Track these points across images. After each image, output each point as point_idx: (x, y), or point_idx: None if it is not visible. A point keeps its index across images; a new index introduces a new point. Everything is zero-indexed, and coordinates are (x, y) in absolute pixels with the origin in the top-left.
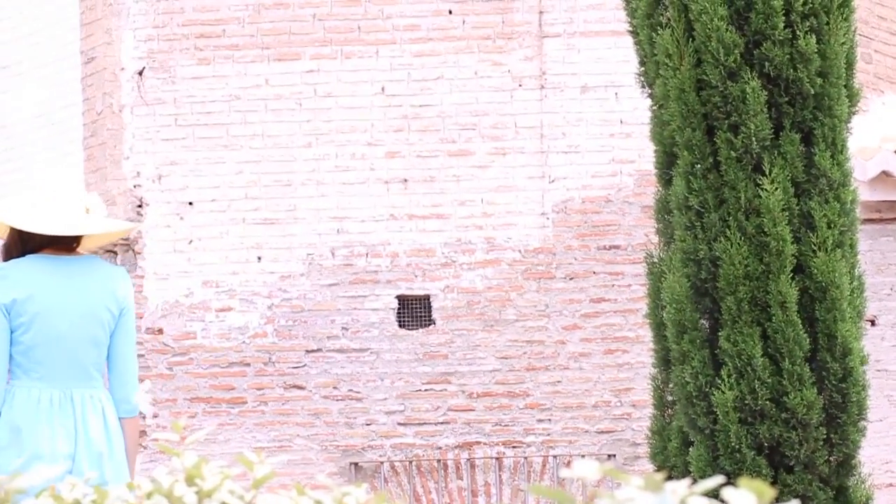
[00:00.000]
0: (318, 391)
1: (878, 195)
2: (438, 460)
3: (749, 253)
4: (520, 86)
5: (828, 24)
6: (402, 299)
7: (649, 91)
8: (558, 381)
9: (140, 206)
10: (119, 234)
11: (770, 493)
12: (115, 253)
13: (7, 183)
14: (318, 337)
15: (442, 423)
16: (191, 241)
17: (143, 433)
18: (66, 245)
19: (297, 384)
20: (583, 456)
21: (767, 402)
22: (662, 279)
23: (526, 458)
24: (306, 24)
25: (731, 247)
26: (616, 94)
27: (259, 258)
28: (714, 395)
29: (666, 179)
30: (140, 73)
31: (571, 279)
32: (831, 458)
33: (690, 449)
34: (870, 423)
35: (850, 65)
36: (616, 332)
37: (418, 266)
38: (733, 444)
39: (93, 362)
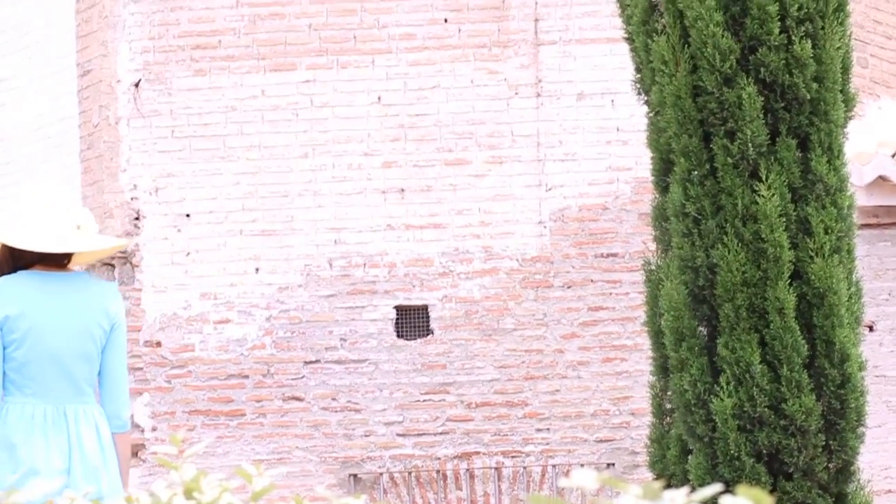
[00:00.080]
0: (317, 402)
1: (875, 200)
2: (437, 471)
3: (746, 259)
4: (516, 94)
5: (823, 29)
6: (400, 309)
7: (645, 98)
8: (557, 390)
9: (137, 218)
10: (110, 250)
11: (768, 500)
12: (113, 266)
13: (4, 197)
14: (317, 348)
15: (441, 433)
16: (188, 254)
17: (141, 446)
18: (57, 261)
19: (296, 396)
20: (582, 465)
21: (766, 409)
22: (660, 287)
23: (525, 467)
24: (302, 35)
25: (729, 253)
26: (612, 101)
27: (257, 270)
28: (713, 402)
29: (663, 186)
30: (136, 85)
31: (569, 287)
32: (830, 465)
33: (689, 457)
34: (869, 429)
35: (845, 70)
36: (614, 341)
37: (416, 276)
38: (732, 451)
39: (85, 378)
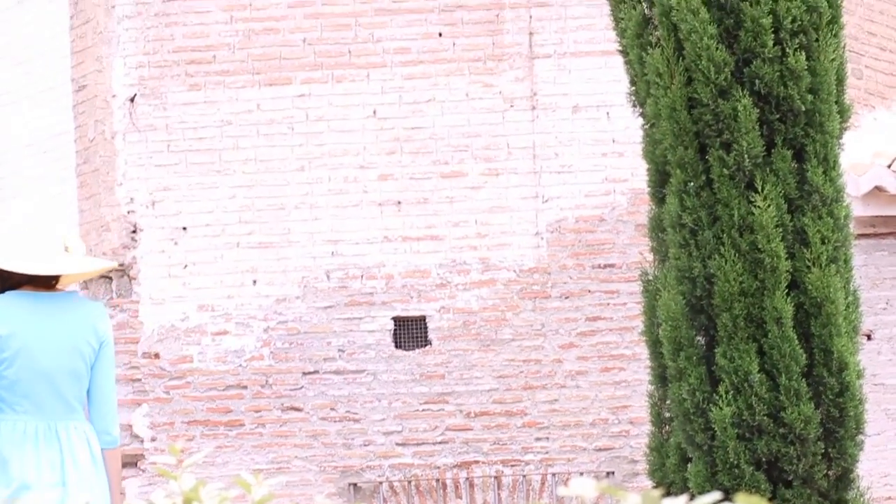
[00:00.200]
0: (316, 413)
1: (871, 210)
2: (437, 480)
3: (743, 270)
4: (511, 107)
5: (817, 41)
6: (398, 320)
7: (641, 110)
8: (556, 400)
9: (134, 231)
10: (98, 272)
11: None
12: (111, 278)
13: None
14: (315, 359)
15: (440, 442)
16: (185, 266)
17: (140, 456)
18: (45, 282)
19: (295, 406)
20: (581, 473)
21: (765, 418)
22: (658, 297)
23: (524, 476)
24: (296, 49)
25: (726, 264)
26: (608, 113)
27: (254, 282)
28: (712, 411)
29: (659, 198)
30: (131, 100)
31: (567, 298)
32: (830, 473)
33: (689, 465)
34: (867, 436)
35: (840, 81)
36: (612, 350)
37: (413, 287)
38: (732, 459)
39: (75, 395)
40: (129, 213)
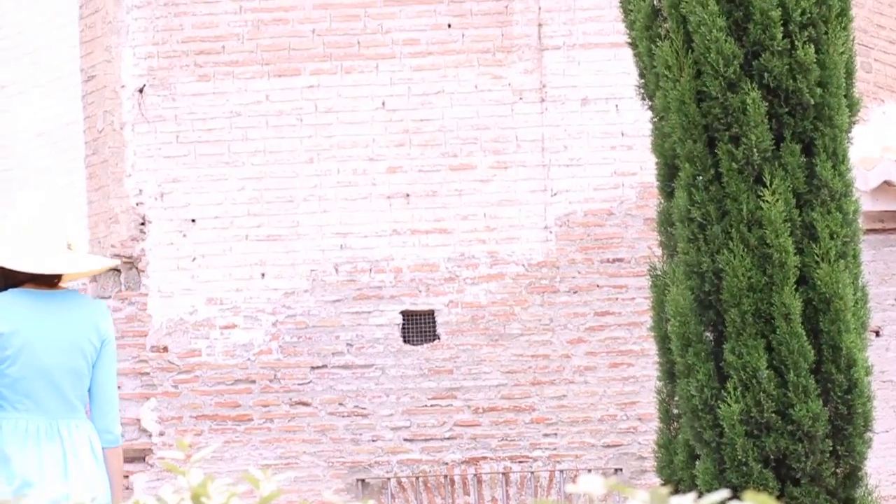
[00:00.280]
0: (324, 407)
1: (880, 205)
2: (445, 476)
3: (752, 265)
4: (520, 99)
5: (826, 33)
6: (407, 315)
7: (650, 103)
8: (564, 396)
9: (143, 223)
10: (99, 271)
11: None
12: (119, 271)
13: (7, 203)
14: (323, 353)
15: (448, 438)
16: (194, 259)
17: (149, 451)
18: (47, 280)
19: (303, 401)
20: (589, 470)
21: (773, 415)
22: (666, 292)
23: (532, 472)
24: (306, 40)
25: (734, 259)
26: (617, 106)
27: (263, 275)
28: (720, 407)
29: (668, 192)
30: (140, 91)
31: (575, 293)
32: (838, 470)
33: (697, 462)
34: (876, 434)
35: (849, 74)
36: (621, 346)
37: (422, 281)
38: (739, 456)
39: (76, 394)
40: (137, 204)
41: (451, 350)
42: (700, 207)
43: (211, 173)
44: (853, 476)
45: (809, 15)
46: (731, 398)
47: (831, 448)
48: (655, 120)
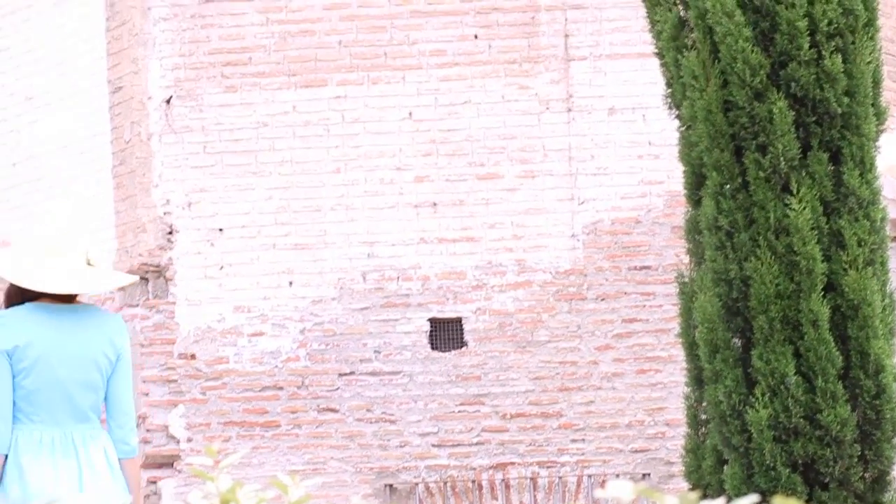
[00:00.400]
0: (352, 414)
1: None
2: (473, 481)
3: (780, 272)
4: (547, 109)
5: (853, 43)
6: (434, 322)
7: (677, 112)
8: (591, 402)
9: (170, 232)
10: (116, 287)
11: None
12: (147, 280)
13: (36, 213)
14: (351, 360)
15: (476, 443)
16: (222, 267)
17: (177, 457)
18: (64, 295)
19: (331, 407)
20: (617, 475)
21: (801, 420)
22: (694, 299)
23: (560, 477)
24: (332, 51)
25: (762, 266)
26: (643, 115)
27: (290, 283)
28: (748, 413)
29: (695, 200)
30: (167, 102)
31: (603, 300)
32: (866, 475)
33: (725, 467)
34: None
35: (876, 83)
36: (648, 352)
37: (449, 289)
38: (768, 461)
39: (91, 406)
40: (165, 214)
41: (479, 357)
42: (727, 215)
43: (238, 183)
44: (881, 480)
45: (836, 25)
46: (759, 404)
47: (859, 453)
48: (682, 129)
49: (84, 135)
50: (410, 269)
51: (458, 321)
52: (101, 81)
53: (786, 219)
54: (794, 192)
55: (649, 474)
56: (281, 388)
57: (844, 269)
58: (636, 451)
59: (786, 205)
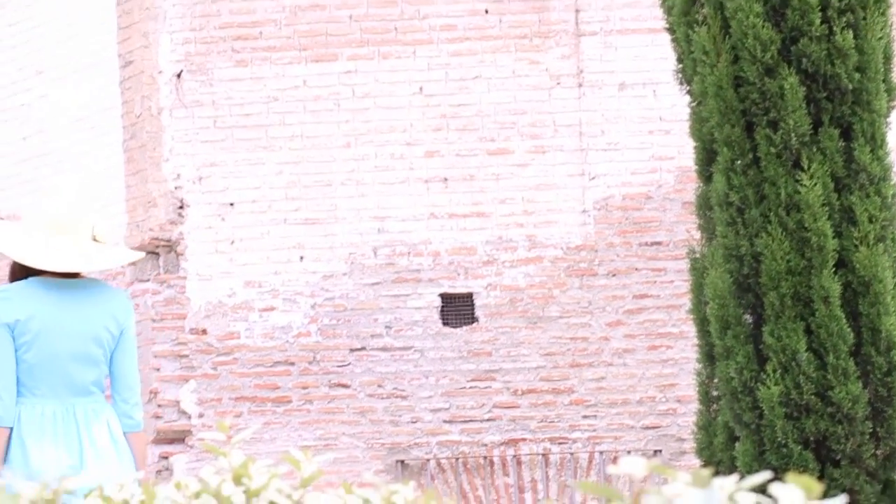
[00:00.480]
0: (363, 389)
1: None
2: (484, 457)
3: (791, 248)
4: (557, 84)
5: (864, 19)
6: (445, 297)
7: (688, 88)
8: (602, 378)
9: (181, 207)
10: (119, 265)
11: (818, 488)
12: (158, 254)
13: (46, 188)
14: (362, 336)
15: (487, 420)
16: (232, 242)
17: (188, 432)
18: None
19: (342, 383)
20: (628, 452)
21: (813, 397)
22: (705, 275)
23: (572, 454)
24: (343, 26)
25: (773, 242)
26: (654, 91)
27: (301, 258)
28: (759, 390)
29: (706, 176)
30: (178, 76)
31: (614, 276)
32: (878, 452)
33: (736, 444)
34: None
35: (887, 59)
36: (659, 328)
37: (460, 264)
38: (779, 438)
39: (93, 380)
40: (175, 188)
41: (490, 332)
42: (738, 191)
43: (249, 157)
44: (893, 457)
45: (847, 1)
46: (770, 380)
47: (871, 430)
48: (693, 105)
49: (94, 109)
50: (421, 244)
51: (469, 296)
52: (111, 55)
53: (797, 195)
54: (805, 168)
55: (660, 451)
56: (292, 364)
57: (855, 246)
58: (647, 428)
59: (797, 181)
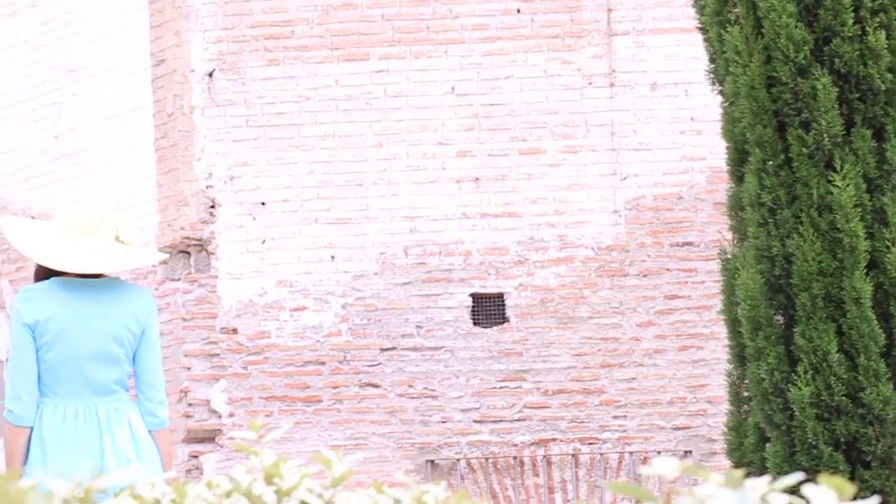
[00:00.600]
0: (394, 389)
1: None
2: (514, 457)
3: (822, 249)
4: (589, 84)
5: None
6: (476, 297)
7: (719, 88)
8: (633, 378)
9: (212, 206)
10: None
11: (850, 489)
12: (189, 253)
13: (78, 186)
14: (393, 335)
15: (517, 420)
16: (264, 241)
17: (219, 431)
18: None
19: (373, 382)
20: (659, 452)
21: (844, 398)
22: (736, 276)
23: (602, 454)
24: (375, 25)
25: (805, 243)
26: (686, 91)
27: (332, 257)
28: (790, 391)
29: (738, 176)
30: (210, 75)
31: (645, 276)
32: None
33: (767, 445)
34: None
35: None
36: (690, 329)
37: (491, 264)
38: (810, 440)
39: (115, 380)
40: (207, 188)
41: (521, 333)
42: (770, 192)
43: (280, 157)
44: None
45: (881, 1)
46: (801, 381)
47: None
48: (725, 105)
49: (126, 108)
50: (452, 244)
51: (500, 297)
52: (143, 54)
53: (829, 196)
54: (838, 168)
55: (691, 451)
56: (323, 363)
57: (887, 247)
58: (678, 429)
59: (829, 181)
